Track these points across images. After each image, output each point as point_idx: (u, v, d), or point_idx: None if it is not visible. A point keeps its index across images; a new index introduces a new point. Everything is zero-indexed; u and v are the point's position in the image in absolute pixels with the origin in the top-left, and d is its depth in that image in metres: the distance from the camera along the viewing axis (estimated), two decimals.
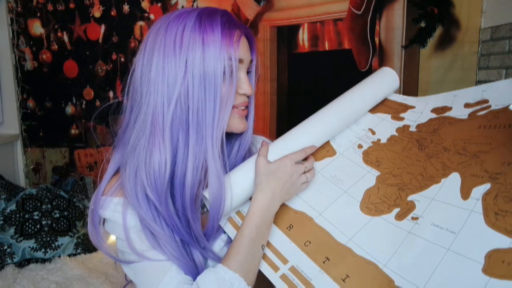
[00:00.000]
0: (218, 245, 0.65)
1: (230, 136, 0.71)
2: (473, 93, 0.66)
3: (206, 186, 0.62)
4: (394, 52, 1.51)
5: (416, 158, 0.63)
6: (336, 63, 1.61)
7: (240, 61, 0.62)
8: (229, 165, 0.71)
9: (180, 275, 0.58)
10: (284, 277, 0.57)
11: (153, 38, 0.60)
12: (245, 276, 0.56)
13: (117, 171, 0.65)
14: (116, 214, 0.60)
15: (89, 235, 0.63)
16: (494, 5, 1.31)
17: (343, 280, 0.53)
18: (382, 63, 1.54)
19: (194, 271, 0.60)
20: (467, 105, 0.65)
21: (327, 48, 1.63)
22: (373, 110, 0.79)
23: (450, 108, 0.68)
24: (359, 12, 1.54)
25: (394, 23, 1.50)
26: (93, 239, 0.62)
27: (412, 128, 0.69)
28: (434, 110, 0.70)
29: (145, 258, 0.58)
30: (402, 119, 0.73)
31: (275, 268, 0.59)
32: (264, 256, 0.61)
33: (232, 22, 0.61)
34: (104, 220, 0.63)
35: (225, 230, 0.65)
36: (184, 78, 0.57)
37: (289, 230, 0.63)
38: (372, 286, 0.51)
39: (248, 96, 0.67)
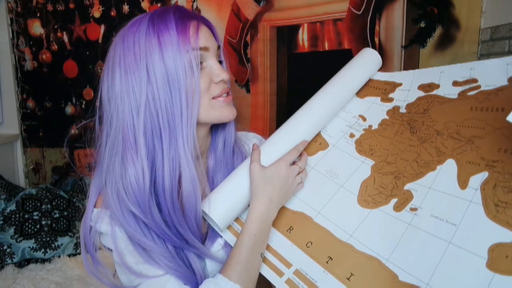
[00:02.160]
0: (215, 249, 0.65)
1: (214, 134, 0.70)
2: (461, 70, 0.64)
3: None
4: (394, 52, 1.51)
5: (409, 142, 0.62)
6: (336, 63, 1.61)
7: (205, 48, 0.60)
8: (219, 163, 0.70)
9: (179, 287, 0.57)
10: (289, 282, 0.57)
11: (112, 54, 0.59)
12: (245, 285, 0.56)
13: None
14: (109, 228, 0.59)
15: (84, 267, 0.61)
16: (493, 5, 1.31)
17: (348, 279, 0.53)
18: (382, 63, 1.55)
19: (193, 280, 0.59)
20: (455, 83, 0.64)
21: (327, 48, 1.63)
22: (361, 93, 0.77)
23: (438, 86, 0.66)
24: (359, 12, 1.54)
25: (394, 23, 1.50)
26: (89, 270, 0.61)
27: (402, 109, 0.68)
28: (421, 87, 0.68)
29: (143, 276, 0.57)
30: (391, 100, 0.71)
31: (280, 273, 0.58)
32: (267, 261, 0.60)
33: (186, 15, 0.59)
34: (100, 233, 0.61)
35: (225, 238, 0.64)
36: (148, 84, 0.56)
37: (289, 232, 0.63)
38: (376, 282, 0.51)
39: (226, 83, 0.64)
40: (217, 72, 0.61)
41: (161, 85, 0.56)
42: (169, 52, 0.56)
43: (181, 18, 0.58)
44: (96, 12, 1.92)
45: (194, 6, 1.79)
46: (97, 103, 0.62)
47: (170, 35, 0.56)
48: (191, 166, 0.58)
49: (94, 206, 0.62)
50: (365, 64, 0.76)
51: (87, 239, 0.60)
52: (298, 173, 0.64)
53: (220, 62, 0.65)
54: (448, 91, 0.64)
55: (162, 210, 0.59)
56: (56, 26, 1.99)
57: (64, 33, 1.98)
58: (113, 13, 1.90)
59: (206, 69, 0.60)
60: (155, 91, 0.56)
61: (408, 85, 0.71)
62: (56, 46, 2.01)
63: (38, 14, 1.99)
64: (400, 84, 0.72)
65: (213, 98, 0.61)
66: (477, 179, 0.51)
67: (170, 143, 0.58)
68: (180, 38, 0.56)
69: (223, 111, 0.63)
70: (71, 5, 1.94)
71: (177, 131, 0.57)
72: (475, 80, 0.61)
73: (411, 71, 0.72)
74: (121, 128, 0.58)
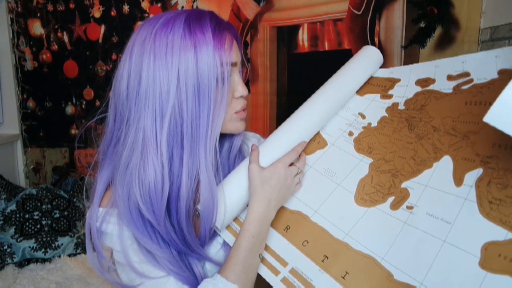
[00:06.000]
0: (214, 248, 0.65)
1: (222, 136, 0.70)
2: (453, 64, 0.64)
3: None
4: (394, 52, 1.51)
5: (407, 140, 0.62)
6: (336, 63, 1.61)
7: (235, 64, 0.61)
8: (221, 163, 0.69)
9: (178, 287, 0.57)
10: (285, 280, 0.57)
11: (140, 48, 0.56)
12: (243, 285, 0.56)
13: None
14: (117, 227, 0.59)
15: (89, 263, 0.60)
16: (493, 5, 1.31)
17: (343, 278, 0.53)
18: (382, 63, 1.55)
19: (194, 283, 0.59)
20: (449, 77, 0.64)
21: (327, 48, 1.63)
22: (361, 91, 0.76)
23: (433, 80, 0.66)
24: (359, 12, 1.54)
25: (394, 23, 1.50)
26: (95, 267, 0.60)
27: (401, 106, 0.68)
28: (418, 83, 0.68)
29: (145, 277, 0.57)
30: (390, 96, 0.71)
31: (276, 272, 0.59)
32: (264, 260, 0.60)
33: (222, 25, 0.59)
34: (102, 232, 0.60)
35: (224, 238, 0.64)
36: (177, 90, 0.55)
37: (286, 231, 0.63)
38: (371, 281, 0.51)
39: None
40: (240, 88, 0.62)
41: (190, 93, 0.55)
42: (204, 61, 0.55)
43: (218, 28, 0.57)
44: (96, 12, 1.92)
45: (194, 6, 1.79)
46: (112, 91, 0.60)
47: (207, 44, 0.55)
48: (211, 176, 0.58)
49: (100, 204, 0.61)
50: (366, 62, 0.76)
51: (94, 234, 0.59)
52: (297, 174, 0.64)
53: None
54: (444, 85, 0.64)
55: (171, 217, 0.59)
56: (56, 26, 1.99)
57: (64, 33, 1.98)
58: (113, 13, 1.91)
59: (231, 83, 0.61)
60: (183, 98, 0.55)
61: (406, 80, 0.71)
62: (56, 46, 2.01)
63: (38, 14, 1.99)
64: (399, 80, 0.72)
65: (235, 113, 0.63)
66: (472, 175, 0.51)
67: (190, 153, 0.57)
68: (216, 50, 0.56)
69: (237, 125, 0.64)
70: (71, 5, 1.94)
71: (200, 142, 0.57)
72: (467, 74, 0.61)
73: (408, 66, 0.72)
74: (142, 130, 0.56)
